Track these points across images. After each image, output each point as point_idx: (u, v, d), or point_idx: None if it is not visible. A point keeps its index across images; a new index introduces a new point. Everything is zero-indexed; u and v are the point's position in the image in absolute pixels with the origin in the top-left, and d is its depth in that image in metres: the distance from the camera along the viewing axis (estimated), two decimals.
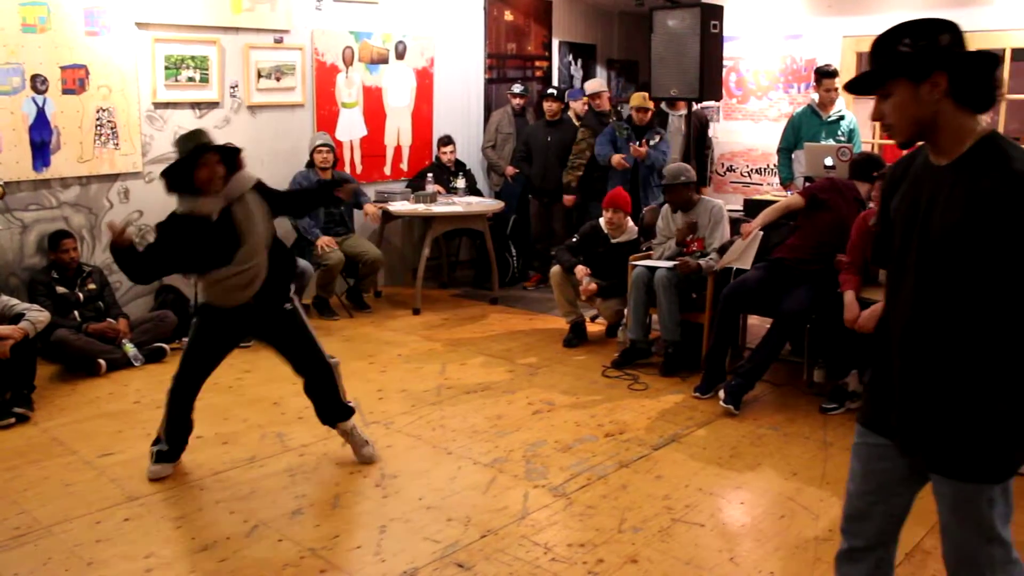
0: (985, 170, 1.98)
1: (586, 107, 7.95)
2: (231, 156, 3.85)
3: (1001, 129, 7.39)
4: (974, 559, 2.15)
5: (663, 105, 7.65)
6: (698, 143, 7.34)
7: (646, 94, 7.07)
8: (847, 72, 7.74)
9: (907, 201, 2.15)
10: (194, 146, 3.73)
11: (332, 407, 4.19)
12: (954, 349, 2.07)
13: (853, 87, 2.16)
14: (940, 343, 2.09)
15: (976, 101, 1.99)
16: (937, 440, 2.13)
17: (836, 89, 6.61)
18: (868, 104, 6.59)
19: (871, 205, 5.35)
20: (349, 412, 4.22)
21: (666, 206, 5.85)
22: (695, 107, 7.03)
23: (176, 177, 3.77)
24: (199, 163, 3.72)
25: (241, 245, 3.83)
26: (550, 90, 8.04)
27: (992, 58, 2.01)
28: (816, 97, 6.88)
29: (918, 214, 2.09)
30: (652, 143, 6.96)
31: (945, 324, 2.08)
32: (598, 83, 8.03)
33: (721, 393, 4.94)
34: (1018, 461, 2.12)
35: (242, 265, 3.84)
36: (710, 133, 8.12)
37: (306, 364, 4.14)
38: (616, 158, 7.07)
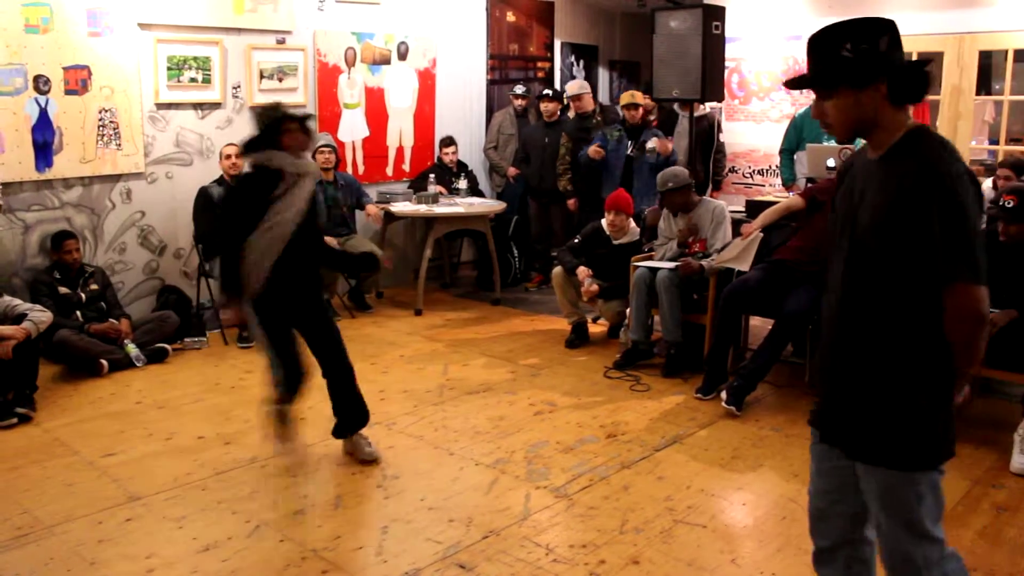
0: (904, 160, 2.07)
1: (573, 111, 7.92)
2: (307, 129, 4.03)
3: (1003, 130, 7.39)
4: (910, 559, 2.16)
5: (675, 106, 7.61)
6: (706, 145, 7.33)
7: (636, 92, 7.06)
8: None
9: (845, 194, 2.22)
10: (281, 114, 3.91)
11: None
12: (877, 338, 2.13)
13: (792, 85, 2.24)
14: (864, 332, 2.15)
15: (910, 99, 2.10)
16: (858, 427, 2.18)
17: None
18: None
19: None
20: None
21: (666, 212, 5.85)
22: (706, 109, 7.04)
23: (261, 141, 3.91)
24: (284, 129, 3.88)
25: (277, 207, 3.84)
26: (546, 91, 8.02)
27: (925, 61, 2.15)
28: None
29: (851, 206, 2.17)
30: (649, 145, 6.89)
31: (868, 314, 2.13)
32: (579, 84, 7.97)
33: (723, 394, 4.94)
34: (942, 453, 2.17)
35: (276, 224, 3.83)
36: (720, 137, 8.09)
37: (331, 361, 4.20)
38: (591, 148, 7.09)
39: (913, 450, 2.13)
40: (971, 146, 7.41)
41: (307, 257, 4.02)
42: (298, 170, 3.89)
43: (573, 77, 9.65)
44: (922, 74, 2.09)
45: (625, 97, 7.08)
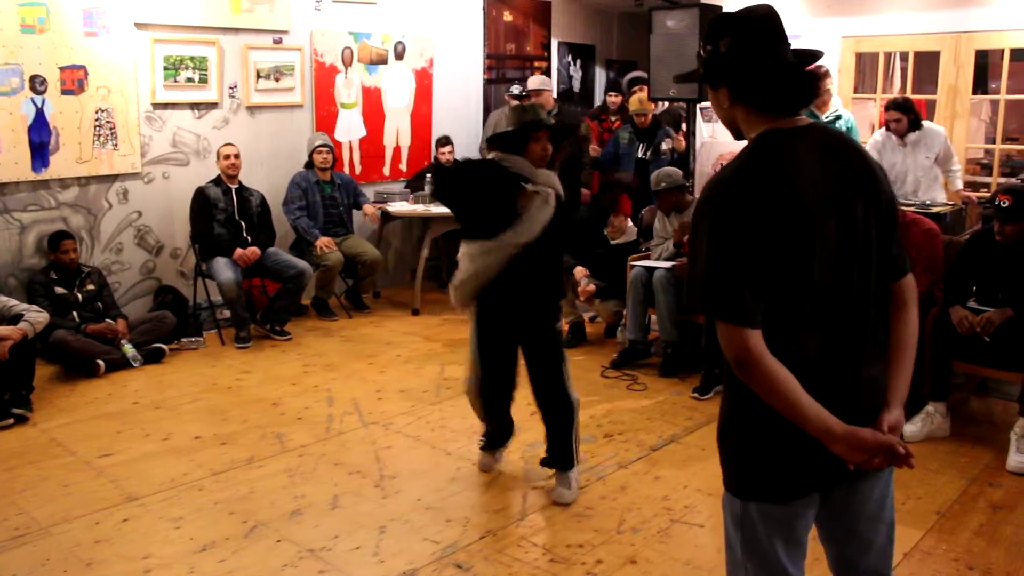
0: None
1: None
2: (559, 139, 3.92)
3: (999, 129, 7.40)
4: None
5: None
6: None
7: (643, 97, 7.06)
8: (846, 72, 7.75)
9: None
10: (531, 119, 3.73)
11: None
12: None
13: (680, 79, 2.19)
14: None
15: (768, 105, 1.88)
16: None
17: (828, 91, 6.63)
18: (865, 104, 6.62)
19: None
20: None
21: (660, 212, 5.86)
22: (664, 105, 7.17)
23: (508, 142, 3.76)
24: (532, 136, 3.71)
25: (512, 227, 3.67)
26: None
27: (777, 63, 1.88)
28: None
29: None
30: (665, 147, 6.95)
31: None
32: (539, 80, 7.82)
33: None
34: (741, 481, 1.96)
35: (504, 246, 3.68)
36: (705, 133, 8.11)
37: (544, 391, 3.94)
38: (591, 147, 7.34)
39: (726, 473, 2.00)
40: (968, 145, 7.42)
41: (540, 277, 3.79)
42: (544, 182, 3.71)
43: (571, 77, 9.66)
44: (773, 73, 1.87)
45: (633, 104, 7.09)
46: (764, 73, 1.87)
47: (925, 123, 6.18)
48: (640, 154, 7.07)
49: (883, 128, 6.21)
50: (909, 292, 1.99)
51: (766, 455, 1.90)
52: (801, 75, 1.91)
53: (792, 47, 1.91)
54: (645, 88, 7.99)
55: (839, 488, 1.95)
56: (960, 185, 6.32)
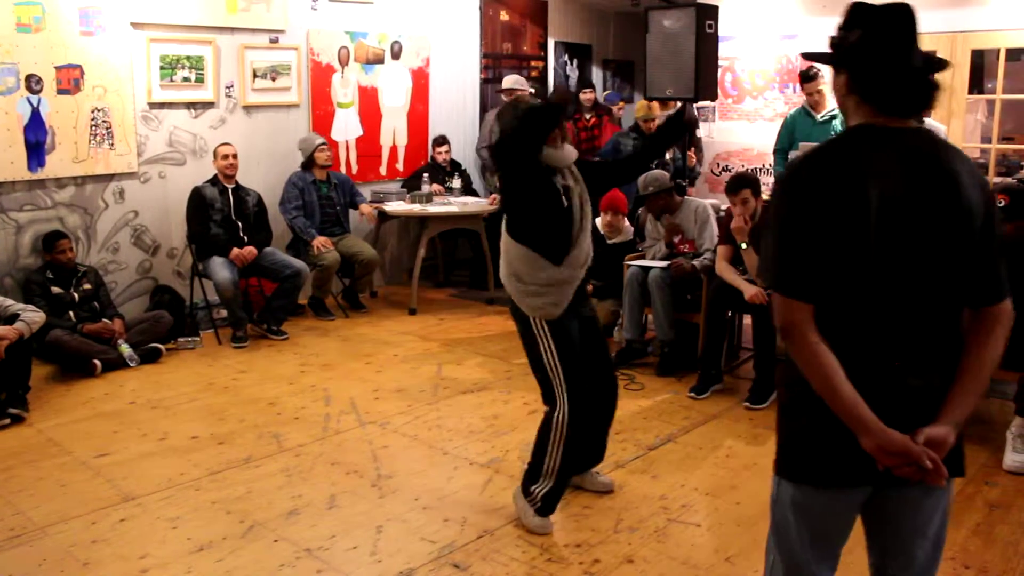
0: None
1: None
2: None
3: (995, 129, 7.41)
4: None
5: (659, 107, 7.64)
6: (689, 143, 7.34)
7: (652, 104, 7.05)
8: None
9: None
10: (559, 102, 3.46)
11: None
12: None
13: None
14: None
15: (880, 103, 1.89)
16: None
17: (820, 91, 6.64)
18: None
19: None
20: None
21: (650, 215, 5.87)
22: (676, 105, 7.01)
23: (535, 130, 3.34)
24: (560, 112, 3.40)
25: (574, 225, 3.40)
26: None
27: (900, 64, 1.87)
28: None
29: None
30: (668, 155, 6.90)
31: None
32: (513, 79, 7.62)
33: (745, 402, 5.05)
34: (783, 460, 2.03)
35: (579, 252, 3.43)
36: (699, 133, 8.11)
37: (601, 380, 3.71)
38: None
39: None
40: (964, 145, 7.43)
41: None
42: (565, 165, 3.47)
43: (567, 76, 9.66)
44: (891, 70, 1.87)
45: (641, 109, 7.09)
46: (884, 71, 1.87)
47: (928, 120, 6.09)
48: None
49: None
50: (999, 319, 1.91)
51: (810, 437, 1.94)
52: (922, 81, 1.89)
53: (922, 52, 1.89)
54: (591, 91, 8.09)
55: (889, 493, 1.95)
56: None
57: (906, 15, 1.86)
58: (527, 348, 3.58)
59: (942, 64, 1.94)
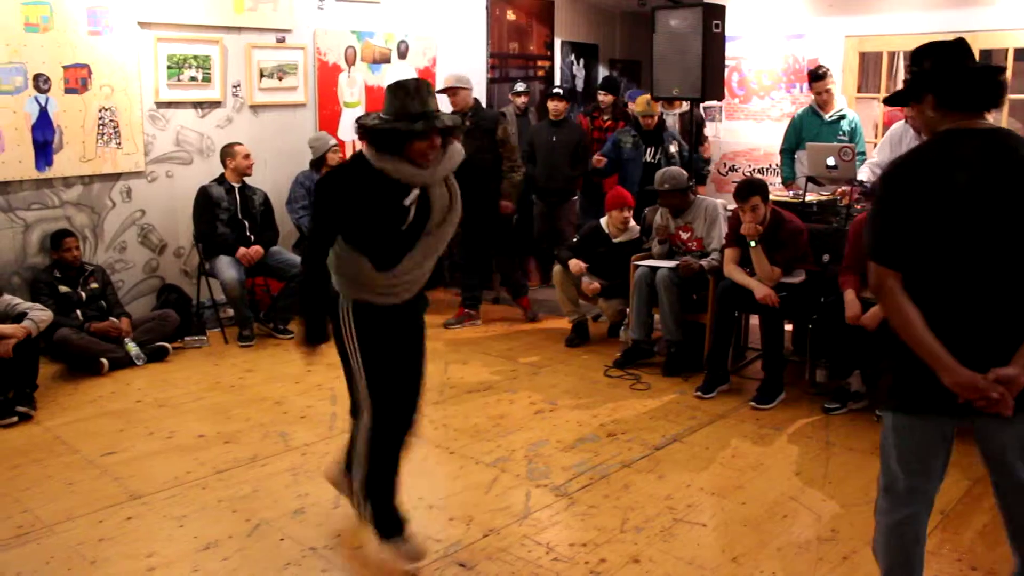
0: None
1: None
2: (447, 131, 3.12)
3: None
4: None
5: (659, 105, 7.63)
6: (696, 142, 7.31)
7: (650, 99, 7.03)
8: (850, 72, 7.74)
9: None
10: (419, 113, 2.99)
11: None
12: None
13: (889, 100, 2.70)
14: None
15: (961, 103, 2.39)
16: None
17: (828, 90, 6.60)
18: (869, 103, 6.59)
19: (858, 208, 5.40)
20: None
21: (662, 209, 5.86)
22: (684, 106, 7.01)
23: (383, 140, 3.03)
24: (413, 140, 3.01)
25: (423, 235, 3.16)
26: (555, 90, 7.93)
27: (967, 70, 2.41)
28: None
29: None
30: (673, 150, 6.88)
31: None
32: (455, 77, 6.85)
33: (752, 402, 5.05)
34: (884, 395, 2.57)
35: (418, 262, 3.19)
36: (707, 132, 8.10)
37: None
38: (594, 158, 7.18)
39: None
40: None
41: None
42: (435, 180, 3.15)
43: (574, 76, 9.65)
44: (968, 84, 2.39)
45: (640, 104, 7.05)
46: (958, 78, 2.39)
47: None
48: (649, 158, 7.02)
49: (903, 120, 6.06)
50: None
51: (900, 376, 2.48)
52: (991, 81, 2.40)
53: (979, 64, 2.47)
54: (610, 95, 8.02)
55: (974, 423, 2.43)
56: None
57: (959, 42, 2.47)
58: (339, 351, 3.31)
59: (1001, 68, 2.51)
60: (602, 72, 9.99)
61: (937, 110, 2.40)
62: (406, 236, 3.11)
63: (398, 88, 3.04)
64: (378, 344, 3.19)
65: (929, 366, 2.32)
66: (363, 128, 3.07)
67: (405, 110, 2.99)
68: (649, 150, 7.01)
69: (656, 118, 7.01)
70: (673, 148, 6.89)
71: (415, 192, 3.08)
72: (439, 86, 6.66)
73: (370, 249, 3.10)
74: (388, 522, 3.27)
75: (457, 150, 3.18)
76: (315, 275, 3.16)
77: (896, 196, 2.35)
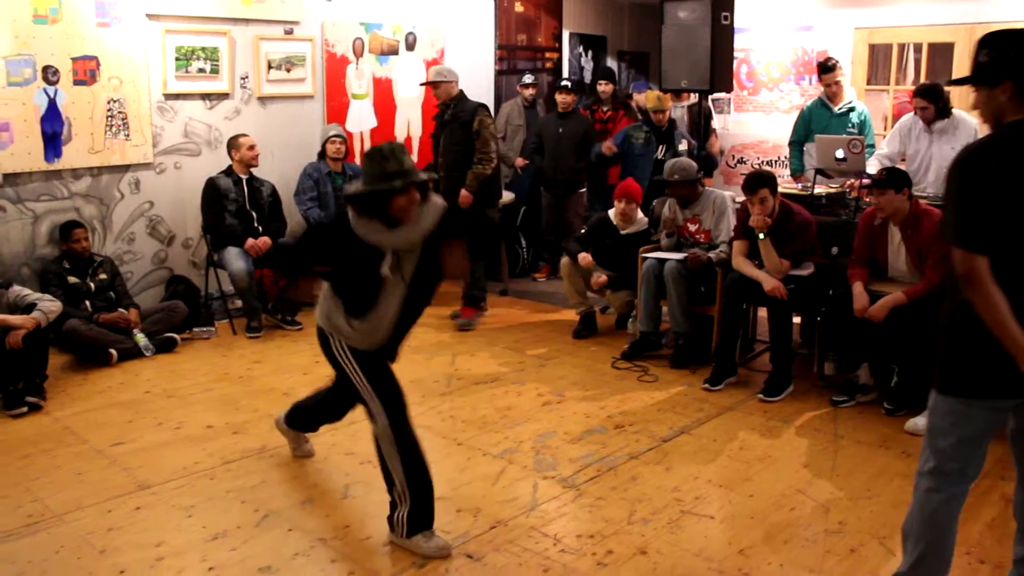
0: None
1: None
2: (423, 186, 3.34)
3: None
4: None
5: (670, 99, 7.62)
6: (705, 134, 7.29)
7: (662, 94, 6.99)
8: (859, 64, 7.71)
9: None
10: (397, 171, 3.20)
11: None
12: None
13: (955, 83, 2.81)
14: None
15: None
16: None
17: (838, 82, 6.56)
18: (879, 96, 6.54)
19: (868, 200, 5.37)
20: None
21: (671, 200, 5.85)
22: (692, 98, 6.98)
23: (366, 205, 3.26)
24: (395, 197, 3.21)
25: (398, 292, 3.35)
26: (563, 83, 7.92)
27: None
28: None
29: None
30: (682, 148, 6.81)
31: None
32: (435, 71, 6.68)
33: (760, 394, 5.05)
34: (937, 377, 2.62)
35: (392, 316, 3.37)
36: (715, 124, 8.08)
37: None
38: (604, 145, 7.13)
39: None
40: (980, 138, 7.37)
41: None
42: (423, 234, 3.35)
43: (582, 68, 9.62)
44: None
45: (651, 99, 7.00)
46: None
47: (956, 112, 5.90)
48: (660, 155, 6.97)
49: (912, 112, 6.03)
50: None
51: (955, 361, 2.56)
52: None
53: None
54: (609, 83, 7.96)
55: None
56: None
57: None
58: (335, 369, 3.53)
59: None
60: (611, 64, 9.95)
61: (1015, 98, 2.44)
62: (379, 290, 3.31)
63: (375, 153, 3.26)
64: (374, 361, 3.42)
65: (1007, 351, 2.37)
66: (348, 196, 3.34)
67: (384, 171, 3.20)
68: (661, 148, 6.97)
69: (667, 113, 6.97)
70: (682, 147, 6.84)
71: (390, 257, 3.29)
72: (430, 79, 6.63)
73: (345, 295, 3.37)
74: (424, 516, 3.37)
75: (435, 206, 3.38)
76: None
77: (975, 181, 2.38)
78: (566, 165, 7.67)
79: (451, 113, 6.45)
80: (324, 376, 5.27)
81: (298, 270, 3.55)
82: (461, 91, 6.59)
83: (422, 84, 7.18)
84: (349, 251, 3.28)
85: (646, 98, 7.15)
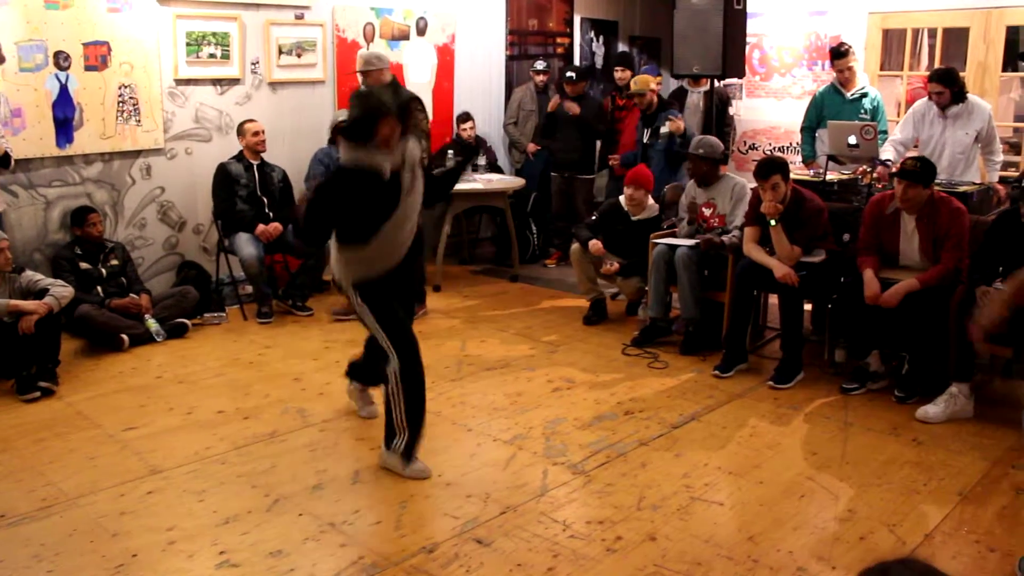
0: None
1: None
2: (404, 116, 3.92)
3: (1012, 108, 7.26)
4: None
5: (684, 82, 7.61)
6: (718, 120, 7.25)
7: (644, 78, 6.99)
8: (872, 49, 7.64)
9: None
10: (375, 105, 3.70)
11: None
12: None
13: None
14: None
15: None
16: None
17: (850, 68, 6.51)
18: (892, 81, 6.53)
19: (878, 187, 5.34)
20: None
21: (691, 181, 5.82)
22: (717, 84, 6.94)
23: (356, 131, 3.71)
24: (381, 121, 3.67)
25: (398, 207, 3.76)
26: (568, 74, 7.84)
27: None
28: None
29: None
30: (663, 131, 6.83)
31: None
32: (365, 59, 6.39)
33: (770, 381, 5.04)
34: None
35: (399, 227, 3.80)
36: (731, 111, 8.05)
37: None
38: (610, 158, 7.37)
39: None
40: (997, 124, 7.31)
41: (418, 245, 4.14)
42: (405, 158, 3.80)
43: (593, 53, 9.57)
44: None
45: (633, 84, 7.01)
46: None
47: (971, 97, 5.86)
48: (645, 139, 7.00)
49: (926, 98, 5.98)
50: None
51: None
52: None
53: None
54: (625, 70, 7.88)
55: None
56: (996, 178, 5.94)
57: None
58: (358, 317, 3.97)
59: None
60: (622, 49, 9.91)
61: None
62: (381, 212, 3.73)
63: (360, 92, 3.88)
64: (384, 303, 3.84)
65: None
66: (338, 126, 3.86)
67: (368, 104, 3.71)
68: (646, 131, 6.98)
69: (647, 98, 6.94)
70: (664, 130, 6.81)
71: (390, 173, 3.70)
72: (360, 67, 6.39)
73: (356, 229, 3.75)
74: (414, 448, 3.88)
75: (412, 146, 3.84)
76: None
77: None
78: (572, 147, 7.68)
79: (396, 97, 6.22)
80: (334, 361, 5.32)
81: (327, 219, 3.74)
82: (394, 78, 6.51)
83: (354, 72, 6.71)
84: (357, 182, 3.65)
85: (632, 83, 7.12)
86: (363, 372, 4.45)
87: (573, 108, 7.36)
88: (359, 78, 6.42)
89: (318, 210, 3.73)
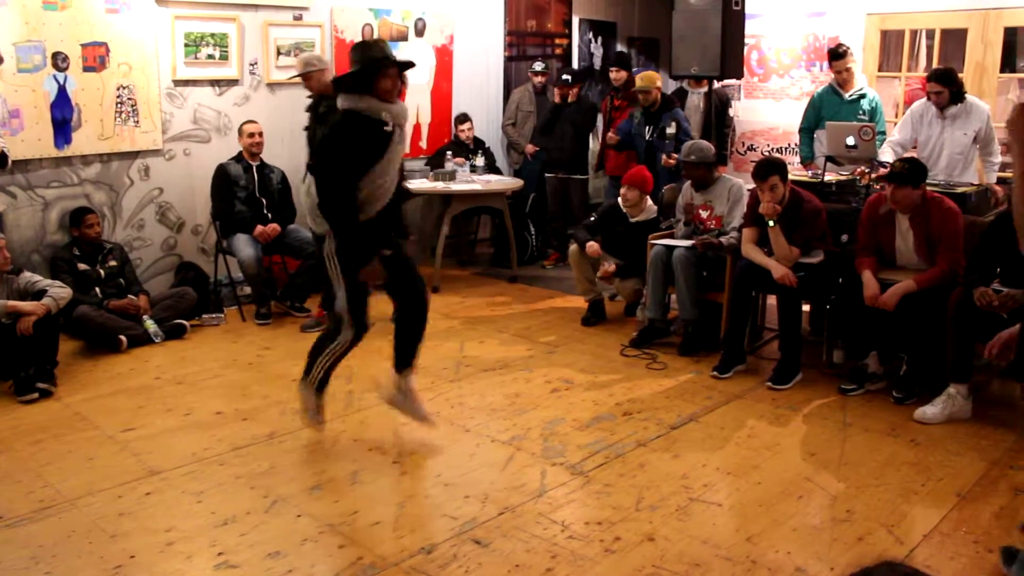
0: None
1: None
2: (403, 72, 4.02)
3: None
4: None
5: (685, 83, 7.62)
6: (718, 121, 7.26)
7: (649, 74, 6.99)
8: (871, 50, 7.65)
9: None
10: (379, 56, 3.80)
11: (412, 349, 4.35)
12: None
13: None
14: None
15: None
16: None
17: (849, 69, 6.51)
18: (890, 82, 6.52)
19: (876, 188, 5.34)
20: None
21: (687, 184, 5.83)
22: (716, 85, 6.95)
23: (359, 81, 3.81)
24: (384, 74, 3.79)
25: (381, 158, 3.88)
26: (564, 77, 7.86)
27: None
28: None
29: None
30: (669, 131, 6.84)
31: None
32: (304, 61, 6.17)
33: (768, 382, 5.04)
34: None
35: (383, 175, 3.92)
36: (731, 112, 8.05)
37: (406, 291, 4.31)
38: (608, 135, 7.35)
39: None
40: (994, 125, 7.31)
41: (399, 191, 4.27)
42: (398, 115, 3.93)
43: (591, 54, 9.58)
44: None
45: (636, 81, 7.02)
46: None
47: (969, 97, 5.87)
48: (648, 136, 7.00)
49: (924, 99, 5.98)
50: None
51: None
52: None
53: None
54: (622, 70, 7.84)
55: None
56: (994, 179, 5.92)
57: None
58: (322, 273, 4.10)
59: None
60: (621, 50, 9.91)
61: None
62: (381, 157, 3.87)
63: (361, 43, 3.91)
64: (356, 264, 3.95)
65: None
66: (340, 78, 3.92)
67: (370, 54, 3.78)
68: (648, 128, 6.98)
69: (652, 95, 6.94)
70: (669, 130, 6.82)
71: (391, 123, 3.85)
72: (299, 70, 6.14)
73: (345, 178, 3.82)
74: (324, 384, 4.25)
75: (404, 106, 4.00)
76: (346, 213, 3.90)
77: None
78: (566, 145, 7.71)
79: (327, 106, 5.67)
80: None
81: (345, 171, 3.80)
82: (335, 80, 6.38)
83: (291, 79, 6.50)
84: (361, 128, 3.79)
85: (636, 79, 7.13)
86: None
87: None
88: (303, 80, 6.10)
89: (332, 162, 3.79)
